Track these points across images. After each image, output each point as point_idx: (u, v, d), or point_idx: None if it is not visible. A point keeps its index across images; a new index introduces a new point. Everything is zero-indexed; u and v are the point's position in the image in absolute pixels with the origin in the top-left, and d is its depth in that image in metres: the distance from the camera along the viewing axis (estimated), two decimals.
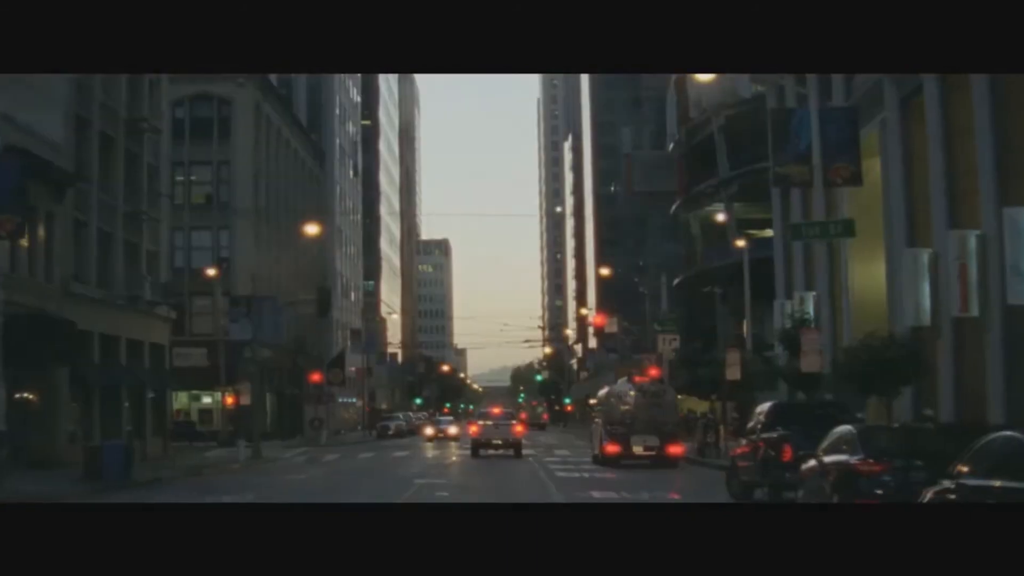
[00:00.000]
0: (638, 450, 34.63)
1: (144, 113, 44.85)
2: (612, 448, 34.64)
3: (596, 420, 38.20)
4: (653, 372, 37.31)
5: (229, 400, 52.84)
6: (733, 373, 36.92)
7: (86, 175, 39.24)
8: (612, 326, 67.56)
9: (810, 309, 38.46)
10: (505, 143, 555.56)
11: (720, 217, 75.05)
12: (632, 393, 35.55)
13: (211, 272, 58.28)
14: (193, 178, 65.46)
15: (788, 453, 18.79)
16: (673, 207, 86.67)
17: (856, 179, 25.74)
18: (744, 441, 22.35)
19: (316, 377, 65.92)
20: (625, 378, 36.73)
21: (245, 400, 45.41)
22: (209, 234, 64.26)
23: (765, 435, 19.94)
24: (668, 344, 46.66)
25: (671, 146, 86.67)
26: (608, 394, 36.50)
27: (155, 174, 47.40)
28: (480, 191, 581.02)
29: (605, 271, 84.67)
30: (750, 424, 21.91)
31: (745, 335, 50.58)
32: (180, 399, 65.66)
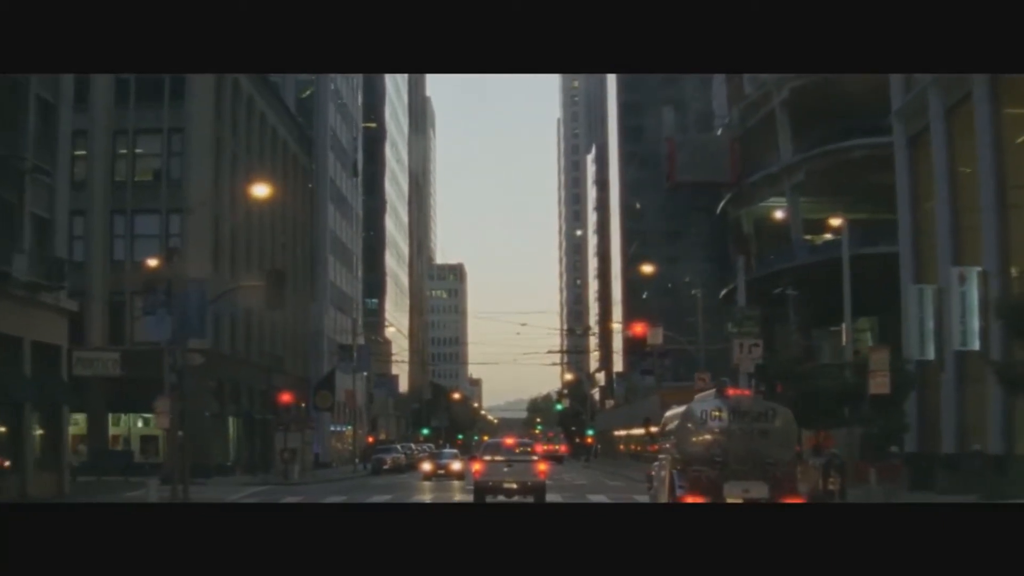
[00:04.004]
0: (735, 502, 21.80)
1: None
2: (694, 499, 21.81)
3: (662, 456, 25.30)
4: (732, 391, 24.27)
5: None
6: (880, 385, 24.12)
7: None
8: (656, 337, 54.59)
9: (973, 290, 26.15)
10: (523, 169, 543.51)
11: (779, 214, 62.51)
12: (722, 414, 22.49)
13: (153, 263, 45.86)
14: (139, 150, 53.08)
15: None
16: (721, 204, 74.27)
17: None
18: None
19: (286, 398, 53.25)
20: (712, 391, 23.48)
21: (164, 422, 32.96)
22: (157, 218, 51.79)
23: None
24: (747, 352, 33.74)
25: (719, 131, 74.38)
26: (684, 417, 23.39)
27: (53, 116, 35.00)
28: (496, 221, 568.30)
29: (648, 268, 71.62)
30: None
31: (844, 343, 38.08)
32: (121, 423, 53.44)
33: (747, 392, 23.08)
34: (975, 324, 26.22)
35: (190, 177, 51.52)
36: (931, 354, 28.93)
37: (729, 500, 21.76)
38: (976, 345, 26.11)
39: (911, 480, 30.89)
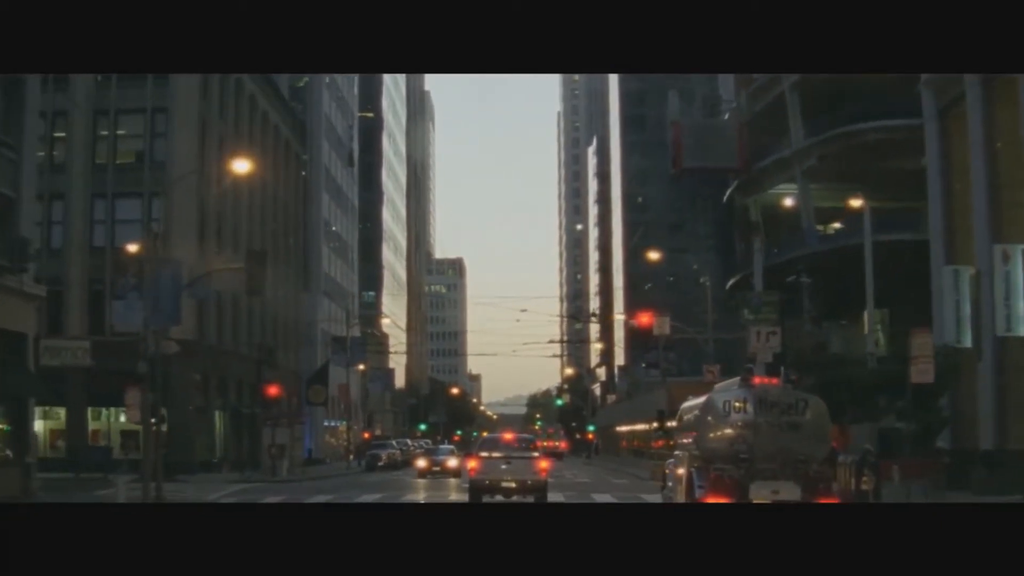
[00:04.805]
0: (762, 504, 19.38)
1: None
2: (716, 501, 19.42)
3: (678, 452, 22.92)
4: (758, 379, 21.77)
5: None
6: (923, 372, 21.75)
7: None
8: (663, 327, 52.11)
9: (1019, 269, 23.85)
10: (522, 165, 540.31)
11: (788, 201, 60.17)
12: (747, 406, 20.11)
13: (133, 248, 43.42)
14: (120, 131, 50.62)
15: None
16: (728, 191, 71.89)
17: None
18: None
19: (273, 391, 50.86)
20: (736, 380, 21.05)
21: (135, 416, 30.63)
22: (138, 202, 49.34)
23: None
24: (765, 340, 31.33)
25: (727, 115, 71.99)
26: (704, 409, 20.98)
27: (18, 87, 32.52)
28: (496, 219, 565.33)
29: (654, 254, 69.34)
30: None
31: (867, 331, 35.73)
32: (102, 417, 51.07)
33: (775, 381, 20.55)
34: (1021, 307, 23.90)
35: (174, 159, 49.04)
36: (968, 341, 26.51)
37: (756, 502, 19.36)
38: (1022, 330, 23.78)
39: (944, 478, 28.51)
